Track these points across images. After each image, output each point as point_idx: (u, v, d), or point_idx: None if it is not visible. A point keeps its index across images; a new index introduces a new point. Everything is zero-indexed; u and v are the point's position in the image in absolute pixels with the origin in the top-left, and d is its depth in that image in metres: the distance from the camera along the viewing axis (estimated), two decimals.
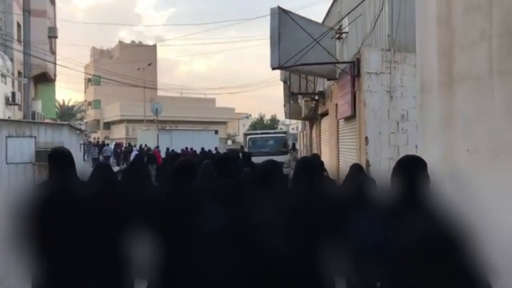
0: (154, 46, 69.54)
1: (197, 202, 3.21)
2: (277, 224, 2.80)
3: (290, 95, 15.89)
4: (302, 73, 11.61)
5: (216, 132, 41.05)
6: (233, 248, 2.90)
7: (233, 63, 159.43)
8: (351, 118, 10.18)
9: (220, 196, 3.49)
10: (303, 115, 17.81)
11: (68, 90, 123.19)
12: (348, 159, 10.81)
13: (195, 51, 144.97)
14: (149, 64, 50.64)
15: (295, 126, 71.85)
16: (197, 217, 3.07)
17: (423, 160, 2.43)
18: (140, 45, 67.87)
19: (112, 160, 31.40)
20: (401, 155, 2.60)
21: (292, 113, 19.39)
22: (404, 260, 2.22)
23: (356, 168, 5.07)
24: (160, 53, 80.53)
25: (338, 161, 12.42)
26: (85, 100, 66.72)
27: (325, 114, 15.85)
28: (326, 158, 14.99)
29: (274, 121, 65.48)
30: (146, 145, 34.22)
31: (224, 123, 65.14)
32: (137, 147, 32.60)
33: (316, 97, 17.04)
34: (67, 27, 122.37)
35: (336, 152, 12.57)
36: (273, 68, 10.18)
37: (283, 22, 9.88)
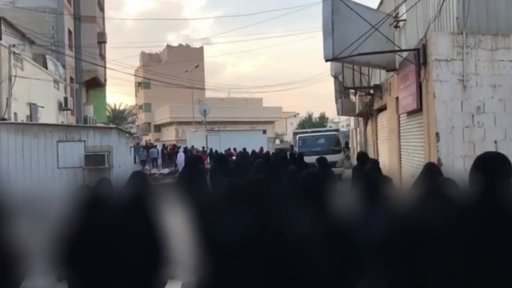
0: (201, 48, 70.09)
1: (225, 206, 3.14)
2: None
3: (343, 90, 14.94)
4: (358, 64, 10.71)
5: (264, 131, 40.55)
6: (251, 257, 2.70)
7: (278, 61, 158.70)
8: (416, 112, 9.18)
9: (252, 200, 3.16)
10: (357, 111, 16.80)
11: (119, 94, 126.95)
12: (413, 158, 9.81)
13: (241, 51, 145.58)
14: (197, 66, 50.92)
15: (345, 123, 70.16)
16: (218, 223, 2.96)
17: (506, 157, 2.15)
18: (187, 47, 68.54)
19: (160, 162, 31.60)
20: (478, 152, 2.38)
21: (345, 110, 18.41)
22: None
23: (432, 168, 4.25)
24: (207, 55, 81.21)
25: (400, 161, 11.40)
26: (136, 104, 68.21)
27: (382, 109, 14.79)
28: (385, 157, 13.97)
29: (323, 119, 64.17)
30: (192, 146, 34.26)
31: (272, 122, 64.70)
32: (182, 148, 32.77)
33: (371, 91, 15.98)
34: (116, 33, 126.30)
35: (397, 150, 11.54)
36: (327, 60, 9.37)
37: (336, 9, 9.05)
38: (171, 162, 29.83)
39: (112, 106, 55.60)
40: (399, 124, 11.56)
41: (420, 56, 8.10)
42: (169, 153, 31.39)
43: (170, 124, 58.02)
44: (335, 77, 23.87)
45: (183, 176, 7.68)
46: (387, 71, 10.90)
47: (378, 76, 15.06)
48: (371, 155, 17.37)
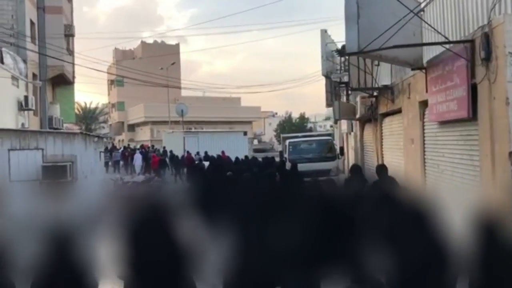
0: (177, 45, 67.55)
1: None
2: None
3: (350, 90, 13.03)
4: (384, 60, 8.78)
5: (245, 133, 38.50)
6: None
7: (255, 60, 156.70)
8: (462, 121, 7.28)
9: None
10: (358, 115, 14.92)
11: (91, 93, 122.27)
12: (450, 177, 7.90)
13: (217, 50, 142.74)
14: (173, 63, 48.45)
15: (327, 125, 68.63)
16: None
17: None
18: (163, 44, 65.89)
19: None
20: None
21: (343, 113, 16.51)
22: None
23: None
24: (182, 54, 78.28)
25: (425, 177, 9.52)
26: (109, 102, 65.22)
27: (390, 113, 12.93)
28: (393, 167, 12.07)
29: (303, 120, 62.44)
30: (163, 148, 32.28)
31: (250, 122, 62.70)
32: (161, 150, 30.78)
33: (375, 93, 14.11)
34: (88, 29, 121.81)
35: (421, 164, 9.66)
36: (350, 54, 7.44)
37: None
38: (128, 165, 28.13)
39: (82, 105, 52.50)
40: (423, 133, 9.67)
41: (479, 50, 6.18)
42: (129, 155, 29.22)
43: (144, 123, 55.41)
44: (327, 77, 22.03)
45: None
46: (413, 69, 9.01)
47: (387, 76, 13.19)
48: (372, 162, 15.53)
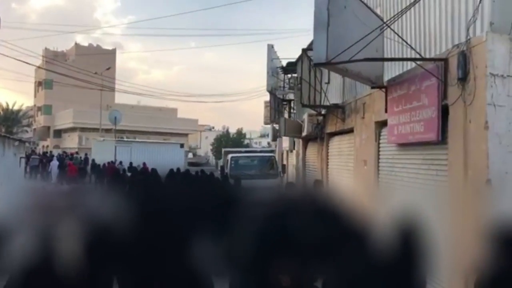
0: (114, 50, 65.18)
1: None
2: None
3: (302, 106, 12.53)
4: (349, 75, 8.28)
5: (182, 145, 37.35)
6: None
7: (191, 73, 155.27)
8: (427, 144, 6.88)
9: None
10: (305, 133, 14.48)
11: (15, 93, 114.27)
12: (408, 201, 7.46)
13: (154, 60, 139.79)
14: (108, 68, 46.17)
15: (263, 142, 68.69)
16: None
17: None
18: (98, 48, 63.11)
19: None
20: None
21: (288, 130, 16.05)
22: None
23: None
24: (118, 60, 75.09)
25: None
26: (34, 105, 61.21)
27: (340, 132, 12.57)
28: (341, 187, 11.68)
29: (240, 135, 62.03)
30: (85, 155, 30.49)
31: (186, 135, 61.35)
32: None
33: (323, 112, 13.76)
34: (17, 29, 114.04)
35: (375, 186, 9.24)
36: (317, 64, 6.83)
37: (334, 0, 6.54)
38: (43, 172, 26.82)
39: (4, 105, 48.63)
40: (378, 154, 9.28)
41: (455, 69, 5.78)
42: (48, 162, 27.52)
43: (72, 129, 52.35)
44: (271, 93, 21.61)
45: None
46: (373, 87, 8.62)
47: (337, 95, 12.88)
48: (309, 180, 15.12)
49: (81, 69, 46.43)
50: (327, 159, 14.00)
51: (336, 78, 13.17)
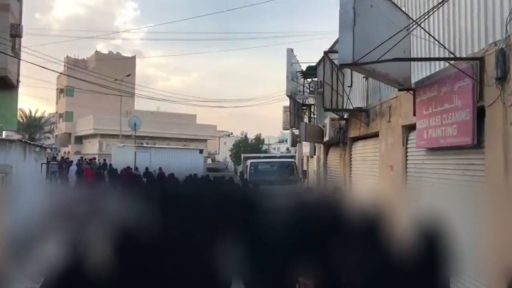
0: (133, 57, 65.65)
1: None
2: None
3: (324, 110, 12.23)
4: (375, 77, 7.96)
5: (201, 151, 37.22)
6: None
7: (209, 80, 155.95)
8: (460, 149, 6.52)
9: None
10: (327, 138, 14.16)
11: (37, 98, 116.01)
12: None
13: (174, 67, 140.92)
14: (128, 75, 46.51)
15: (281, 148, 68.28)
16: None
17: None
18: (118, 55, 63.72)
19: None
20: None
21: (309, 135, 15.74)
22: None
23: None
24: (138, 68, 75.39)
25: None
26: (56, 112, 62.02)
27: (364, 137, 12.22)
28: (362, 193, 11.27)
29: (258, 141, 61.76)
30: (104, 160, 30.52)
31: (205, 140, 61.31)
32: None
33: (346, 116, 13.43)
34: (40, 36, 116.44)
35: (402, 193, 8.86)
36: (343, 65, 6.56)
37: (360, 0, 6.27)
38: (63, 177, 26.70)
39: (27, 112, 49.37)
40: (406, 159, 8.91)
41: (493, 68, 5.44)
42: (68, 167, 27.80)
43: (93, 136, 52.77)
44: (290, 97, 21.34)
45: None
46: (400, 90, 8.28)
47: (360, 99, 12.54)
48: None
49: (102, 76, 47.04)
50: (350, 164, 13.65)
51: (359, 82, 12.85)
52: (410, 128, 8.74)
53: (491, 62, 5.58)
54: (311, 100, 21.66)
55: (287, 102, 25.03)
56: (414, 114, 8.10)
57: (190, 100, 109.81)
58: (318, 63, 19.25)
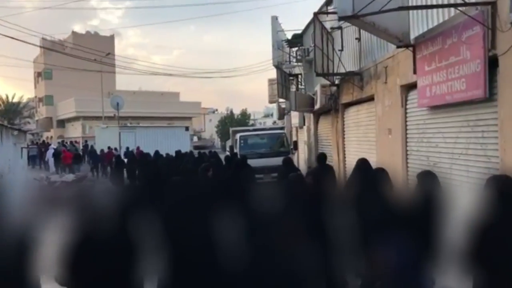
0: (112, 36, 63.85)
1: None
2: None
3: (316, 75, 11.66)
4: (374, 32, 7.44)
5: (187, 128, 36.51)
6: None
7: (191, 57, 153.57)
8: (468, 104, 6.11)
9: None
10: (318, 105, 13.68)
11: (16, 80, 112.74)
12: (451, 171, 6.73)
13: (154, 46, 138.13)
14: (108, 54, 45.07)
15: (267, 122, 67.69)
16: None
17: None
18: (96, 35, 61.89)
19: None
20: None
21: (299, 104, 15.23)
22: None
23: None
24: (117, 50, 73.20)
25: (407, 171, 8.39)
26: (35, 96, 60.36)
27: (357, 102, 11.78)
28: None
29: (245, 116, 61.17)
30: (85, 142, 29.87)
31: (189, 118, 60.39)
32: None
33: (337, 82, 12.94)
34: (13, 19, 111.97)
35: (403, 157, 8.50)
36: (343, 18, 6.04)
37: None
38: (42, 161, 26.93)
39: (4, 98, 47.89)
40: (405, 121, 8.51)
41: (506, 12, 4.98)
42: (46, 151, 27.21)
43: (75, 119, 51.57)
44: (277, 67, 20.72)
45: None
46: (399, 47, 7.80)
47: (352, 62, 12.06)
48: (331, 157, 14.40)
49: (80, 56, 45.62)
50: (343, 131, 13.25)
51: (350, 45, 12.34)
52: (410, 87, 8.31)
53: (504, 5, 5.11)
54: (297, 70, 21.12)
55: (271, 74, 24.47)
56: (415, 72, 7.66)
57: (172, 74, 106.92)
58: (305, 29, 18.63)
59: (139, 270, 3.39)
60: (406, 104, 8.47)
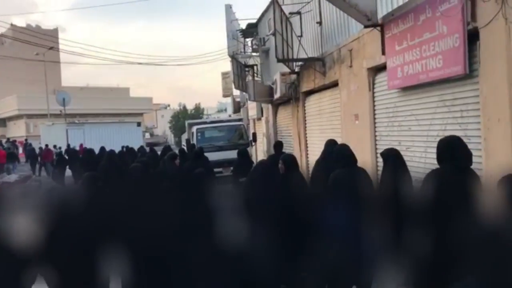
0: (55, 30, 60.80)
1: None
2: None
3: (277, 61, 11.12)
4: (345, 7, 7.01)
5: (139, 124, 35.26)
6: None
7: (141, 51, 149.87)
8: (444, 83, 5.81)
9: None
10: (278, 94, 13.22)
11: None
12: (426, 155, 6.44)
13: (103, 41, 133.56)
14: (51, 48, 42.74)
15: (221, 117, 66.87)
16: None
17: None
18: (38, 28, 58.71)
19: None
20: None
21: (258, 95, 14.72)
22: None
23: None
24: (65, 47, 69.88)
25: (376, 156, 8.08)
26: None
27: (318, 89, 11.43)
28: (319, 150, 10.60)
29: (198, 111, 60.14)
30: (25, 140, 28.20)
31: (141, 114, 58.64)
32: (41, 145, 26.88)
33: (297, 70, 12.53)
34: None
35: (371, 143, 8.18)
36: None
37: None
38: None
39: None
40: (373, 105, 8.18)
41: None
42: None
43: (18, 117, 48.79)
44: (233, 58, 20.14)
45: None
46: (367, 26, 7.44)
47: (312, 49, 11.68)
48: (290, 147, 14.03)
49: (21, 50, 43.01)
50: (305, 121, 12.88)
51: (309, 31, 11.95)
52: (377, 70, 7.99)
53: None
54: (252, 61, 20.65)
55: (223, 67, 23.81)
56: (383, 53, 7.32)
57: (122, 62, 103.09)
58: (261, 17, 18.15)
59: (104, 269, 3.32)
60: (373, 88, 8.14)
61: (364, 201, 3.80)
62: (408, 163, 5.10)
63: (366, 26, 7.46)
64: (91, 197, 3.66)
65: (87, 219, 3.30)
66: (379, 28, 7.33)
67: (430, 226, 3.07)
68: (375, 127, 8.18)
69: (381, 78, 7.84)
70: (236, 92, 28.72)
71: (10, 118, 51.03)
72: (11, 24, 57.58)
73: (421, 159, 6.54)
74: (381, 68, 7.70)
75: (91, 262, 3.23)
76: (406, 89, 6.90)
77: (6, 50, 50.22)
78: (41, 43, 46.32)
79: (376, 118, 8.16)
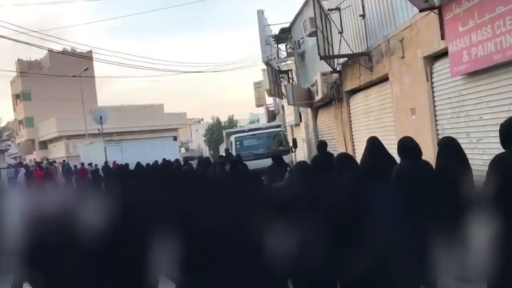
0: (90, 52, 62.28)
1: None
2: None
3: (320, 58, 10.57)
4: None
5: (175, 138, 35.38)
6: None
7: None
8: None
9: None
10: (320, 95, 12.63)
11: None
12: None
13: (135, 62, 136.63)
14: (86, 69, 43.66)
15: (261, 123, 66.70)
16: None
17: None
18: (73, 52, 60.25)
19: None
20: None
21: (297, 98, 14.17)
22: None
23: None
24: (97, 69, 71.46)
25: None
26: (15, 119, 58.52)
27: (365, 87, 10.79)
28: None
29: (232, 122, 60.09)
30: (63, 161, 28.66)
31: (175, 129, 59.06)
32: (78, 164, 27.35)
33: (338, 68, 11.92)
34: None
35: (432, 138, 7.47)
36: None
37: None
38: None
39: None
40: (433, 96, 7.49)
41: None
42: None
43: (58, 139, 49.92)
44: (267, 63, 19.71)
45: None
46: (422, 10, 6.81)
47: (354, 44, 11.07)
48: (334, 151, 13.35)
49: (59, 75, 44.11)
50: (350, 121, 12.22)
51: (351, 26, 11.36)
52: (435, 57, 7.32)
53: None
54: (286, 67, 20.21)
55: (254, 77, 23.48)
56: (443, 38, 6.66)
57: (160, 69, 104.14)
58: (294, 20, 17.69)
59: (153, 271, 3.26)
60: (432, 77, 7.46)
61: (427, 196, 3.64)
62: (481, 157, 4.72)
63: (421, 10, 6.81)
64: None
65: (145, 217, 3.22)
66: (436, 11, 6.67)
67: (496, 215, 2.85)
68: (436, 120, 7.48)
69: (440, 66, 7.16)
70: (270, 101, 28.22)
71: (51, 141, 52.30)
72: (48, 50, 59.53)
73: (497, 151, 5.80)
74: (440, 55, 7.04)
75: (144, 261, 3.14)
76: (474, 74, 6.21)
77: (45, 73, 51.63)
78: (77, 66, 47.44)
79: (436, 110, 7.46)
